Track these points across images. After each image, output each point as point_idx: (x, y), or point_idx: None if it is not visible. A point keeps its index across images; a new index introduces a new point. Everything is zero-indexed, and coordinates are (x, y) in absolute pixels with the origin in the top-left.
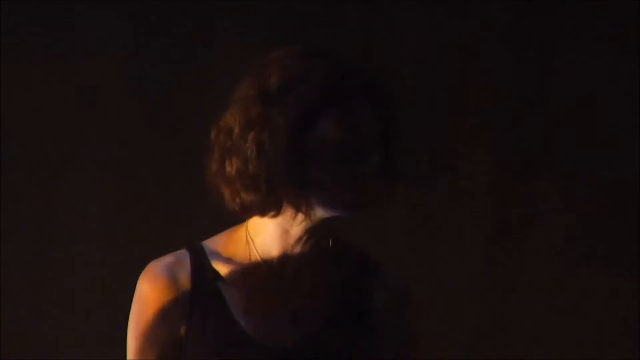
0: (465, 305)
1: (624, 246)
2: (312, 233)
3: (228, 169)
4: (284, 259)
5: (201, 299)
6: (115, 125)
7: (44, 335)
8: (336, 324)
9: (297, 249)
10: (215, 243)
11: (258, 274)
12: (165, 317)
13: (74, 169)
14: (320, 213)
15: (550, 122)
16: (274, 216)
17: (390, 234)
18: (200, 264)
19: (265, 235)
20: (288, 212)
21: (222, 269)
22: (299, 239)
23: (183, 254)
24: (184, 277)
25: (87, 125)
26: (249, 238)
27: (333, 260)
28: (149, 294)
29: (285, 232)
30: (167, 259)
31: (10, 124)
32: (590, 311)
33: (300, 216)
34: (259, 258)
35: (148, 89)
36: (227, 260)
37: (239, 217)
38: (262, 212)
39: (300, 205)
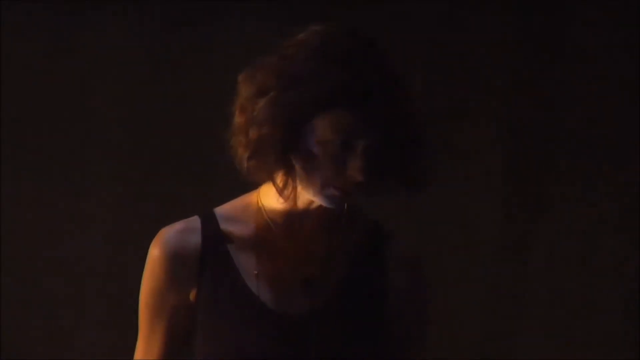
0: (473, 306)
1: (632, 243)
2: None
3: (241, 138)
4: (295, 224)
5: (211, 264)
6: (115, 123)
7: (44, 335)
8: (348, 291)
9: (308, 215)
10: (226, 209)
11: (268, 239)
12: (175, 282)
13: (74, 169)
14: (307, 196)
15: (557, 122)
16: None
17: (397, 231)
18: (211, 229)
19: (277, 201)
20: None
21: (233, 234)
22: (309, 205)
23: (194, 220)
24: (195, 243)
25: (87, 124)
26: (260, 204)
27: (346, 227)
28: (159, 259)
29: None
30: (178, 225)
31: (10, 123)
32: (598, 309)
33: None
34: (270, 223)
35: (148, 82)
36: (238, 225)
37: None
38: (268, 178)
39: (286, 187)
